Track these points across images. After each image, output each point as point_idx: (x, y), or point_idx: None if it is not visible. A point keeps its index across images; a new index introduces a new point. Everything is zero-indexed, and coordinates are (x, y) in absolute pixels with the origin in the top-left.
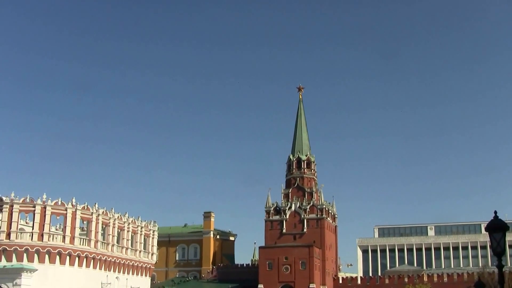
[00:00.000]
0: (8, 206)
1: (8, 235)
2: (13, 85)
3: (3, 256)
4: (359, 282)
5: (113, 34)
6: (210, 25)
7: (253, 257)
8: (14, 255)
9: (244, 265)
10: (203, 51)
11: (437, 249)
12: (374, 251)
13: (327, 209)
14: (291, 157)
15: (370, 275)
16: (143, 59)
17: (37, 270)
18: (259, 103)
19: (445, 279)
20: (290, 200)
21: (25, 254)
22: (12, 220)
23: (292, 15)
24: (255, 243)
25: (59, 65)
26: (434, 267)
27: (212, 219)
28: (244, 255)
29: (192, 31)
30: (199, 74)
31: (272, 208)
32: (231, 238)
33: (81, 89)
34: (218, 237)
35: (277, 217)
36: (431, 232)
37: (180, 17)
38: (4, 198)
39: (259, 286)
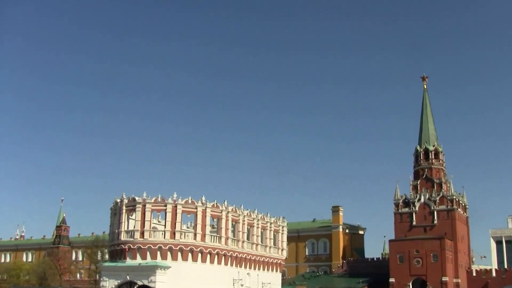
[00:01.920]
0: (141, 206)
1: (142, 234)
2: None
3: (138, 254)
4: (493, 274)
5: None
6: None
7: (383, 251)
8: (148, 253)
9: (375, 258)
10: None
11: None
12: (508, 242)
13: (457, 200)
14: (418, 148)
15: (506, 267)
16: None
17: (170, 267)
18: (383, 94)
19: None
20: (419, 192)
21: (158, 252)
22: (145, 219)
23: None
24: (384, 236)
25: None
26: None
27: (341, 213)
28: (374, 248)
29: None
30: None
31: (401, 201)
32: (360, 232)
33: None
34: (347, 231)
35: (406, 209)
36: None
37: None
38: (137, 198)
39: (390, 280)
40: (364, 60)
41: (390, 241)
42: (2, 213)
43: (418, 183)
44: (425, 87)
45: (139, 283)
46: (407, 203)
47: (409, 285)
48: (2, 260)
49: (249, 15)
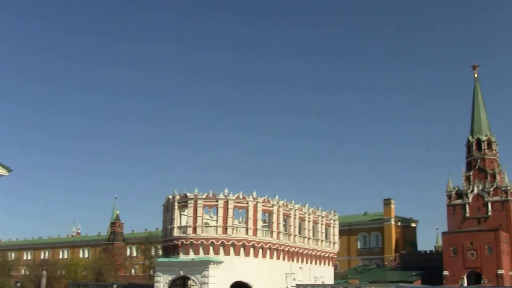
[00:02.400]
0: (192, 202)
1: (194, 230)
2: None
3: (190, 250)
4: None
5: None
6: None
7: (436, 243)
8: (201, 248)
9: (428, 251)
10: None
11: None
12: None
13: None
14: (470, 138)
15: None
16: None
17: (223, 262)
18: (432, 84)
19: None
20: (471, 183)
21: (211, 247)
22: (197, 215)
23: None
24: (437, 228)
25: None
26: None
27: (393, 206)
28: (426, 241)
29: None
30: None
31: (453, 192)
32: (413, 225)
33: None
34: (399, 223)
35: (459, 201)
36: None
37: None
38: (188, 195)
39: (444, 273)
40: (416, 50)
41: (443, 233)
42: (60, 211)
43: (471, 174)
44: (476, 76)
45: (193, 278)
46: (460, 194)
47: (464, 278)
48: (60, 257)
49: (246, 18)
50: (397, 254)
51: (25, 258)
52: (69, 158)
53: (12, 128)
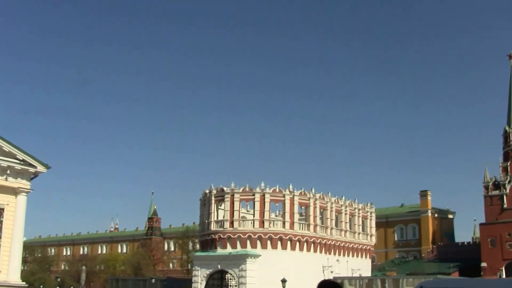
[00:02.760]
0: (229, 196)
1: (232, 224)
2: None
3: (228, 244)
4: None
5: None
6: None
7: (474, 235)
8: (238, 242)
9: (465, 243)
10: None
11: None
12: None
13: None
14: (507, 128)
15: None
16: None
17: (260, 255)
18: (468, 73)
19: None
20: (509, 174)
21: (248, 241)
22: (234, 209)
23: None
24: (474, 220)
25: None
26: None
27: (429, 198)
28: (464, 232)
29: None
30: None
31: (490, 183)
32: (450, 216)
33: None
34: (436, 215)
35: (497, 192)
36: None
37: None
38: (225, 189)
39: (482, 265)
40: (449, 40)
41: (480, 224)
42: (98, 207)
43: (508, 164)
44: None
45: (230, 271)
46: (497, 185)
47: (502, 270)
48: (99, 252)
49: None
50: (434, 246)
51: (64, 253)
52: (105, 156)
53: (50, 124)
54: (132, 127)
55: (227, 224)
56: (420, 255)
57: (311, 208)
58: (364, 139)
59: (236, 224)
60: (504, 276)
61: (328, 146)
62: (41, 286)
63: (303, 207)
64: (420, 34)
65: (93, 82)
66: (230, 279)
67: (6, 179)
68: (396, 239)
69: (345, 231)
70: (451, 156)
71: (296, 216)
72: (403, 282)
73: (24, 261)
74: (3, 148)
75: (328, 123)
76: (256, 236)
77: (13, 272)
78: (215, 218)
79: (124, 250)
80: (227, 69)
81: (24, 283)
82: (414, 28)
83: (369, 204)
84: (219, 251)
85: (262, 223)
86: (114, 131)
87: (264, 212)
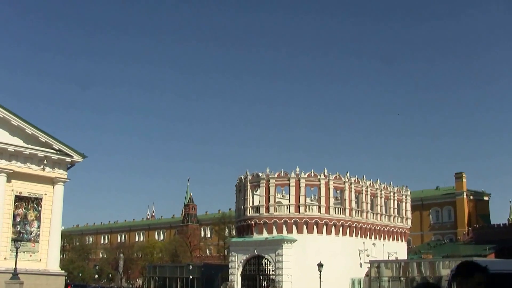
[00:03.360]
0: (264, 181)
1: (267, 209)
2: None
3: (264, 229)
4: None
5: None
6: None
7: (510, 216)
8: (274, 227)
9: (501, 224)
10: None
11: None
12: None
13: None
14: None
15: None
16: None
17: (296, 240)
18: (501, 52)
19: None
20: None
21: (284, 226)
22: (270, 194)
23: None
24: (510, 201)
25: None
26: None
27: (464, 180)
28: (500, 214)
29: None
30: None
31: None
32: (485, 198)
33: None
34: (471, 197)
35: None
36: None
37: None
38: (260, 174)
39: None
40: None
41: None
42: (135, 195)
43: None
44: None
45: (267, 256)
46: None
47: None
48: (136, 239)
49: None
50: (470, 228)
51: (102, 242)
52: (140, 144)
53: (85, 113)
54: (168, 117)
55: (263, 210)
56: (455, 238)
57: (346, 192)
58: (398, 123)
59: (271, 209)
60: None
61: (362, 131)
62: (80, 274)
63: (338, 191)
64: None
65: (128, 73)
66: (267, 264)
67: (43, 169)
68: (431, 222)
69: (381, 215)
70: (486, 137)
71: (332, 200)
72: (439, 265)
73: (63, 250)
74: (40, 138)
75: (361, 108)
76: (292, 221)
77: (53, 261)
78: (251, 204)
79: (161, 238)
80: (255, 57)
81: (63, 271)
82: None
83: (404, 187)
84: (255, 236)
85: (297, 208)
86: (150, 121)
87: (299, 197)
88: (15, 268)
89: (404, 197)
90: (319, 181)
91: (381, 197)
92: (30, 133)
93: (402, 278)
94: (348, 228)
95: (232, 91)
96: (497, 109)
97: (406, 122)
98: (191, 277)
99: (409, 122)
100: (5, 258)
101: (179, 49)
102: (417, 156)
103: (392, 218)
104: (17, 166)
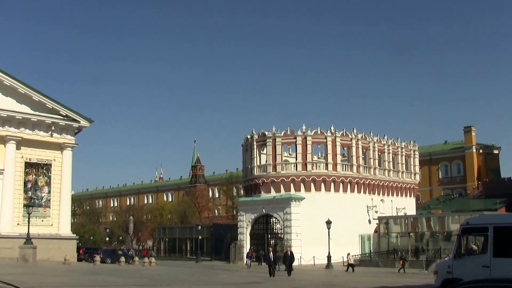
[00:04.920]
0: (271, 140)
1: (274, 168)
2: None
3: (272, 188)
4: None
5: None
6: None
7: None
8: (281, 186)
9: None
10: None
11: None
12: None
13: None
14: None
15: None
16: None
17: (304, 198)
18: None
19: None
20: None
21: (291, 184)
22: (276, 153)
23: None
24: None
25: None
26: None
27: (473, 133)
28: (510, 167)
29: None
30: None
31: None
32: (495, 151)
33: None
34: (481, 151)
35: None
36: None
37: None
38: (266, 133)
39: None
40: None
41: None
42: (142, 158)
43: None
44: None
45: (275, 215)
46: None
47: None
48: (145, 202)
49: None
50: (479, 182)
51: (112, 205)
52: (148, 106)
53: (91, 78)
54: (171, 75)
55: (270, 169)
56: (465, 192)
57: (354, 149)
58: (405, 76)
59: (279, 168)
60: None
61: (368, 85)
62: (92, 238)
63: (345, 148)
64: None
65: (131, 27)
66: (275, 222)
67: (51, 135)
68: (440, 176)
69: (389, 171)
70: (494, 89)
71: (339, 157)
72: (448, 220)
73: (74, 214)
74: (47, 105)
75: (367, 67)
76: (299, 179)
77: (64, 225)
78: (258, 163)
79: (170, 199)
80: (260, 23)
81: (75, 235)
82: None
83: (412, 142)
84: (263, 195)
85: (304, 166)
86: (156, 87)
87: (306, 155)
88: (28, 233)
89: (412, 152)
90: (326, 138)
91: (388, 153)
92: (37, 100)
93: (411, 234)
94: (356, 185)
95: (237, 54)
96: (505, 59)
97: (413, 75)
98: (200, 237)
99: (416, 75)
100: (18, 224)
101: (186, 19)
102: (425, 110)
103: (400, 173)
104: (26, 133)
